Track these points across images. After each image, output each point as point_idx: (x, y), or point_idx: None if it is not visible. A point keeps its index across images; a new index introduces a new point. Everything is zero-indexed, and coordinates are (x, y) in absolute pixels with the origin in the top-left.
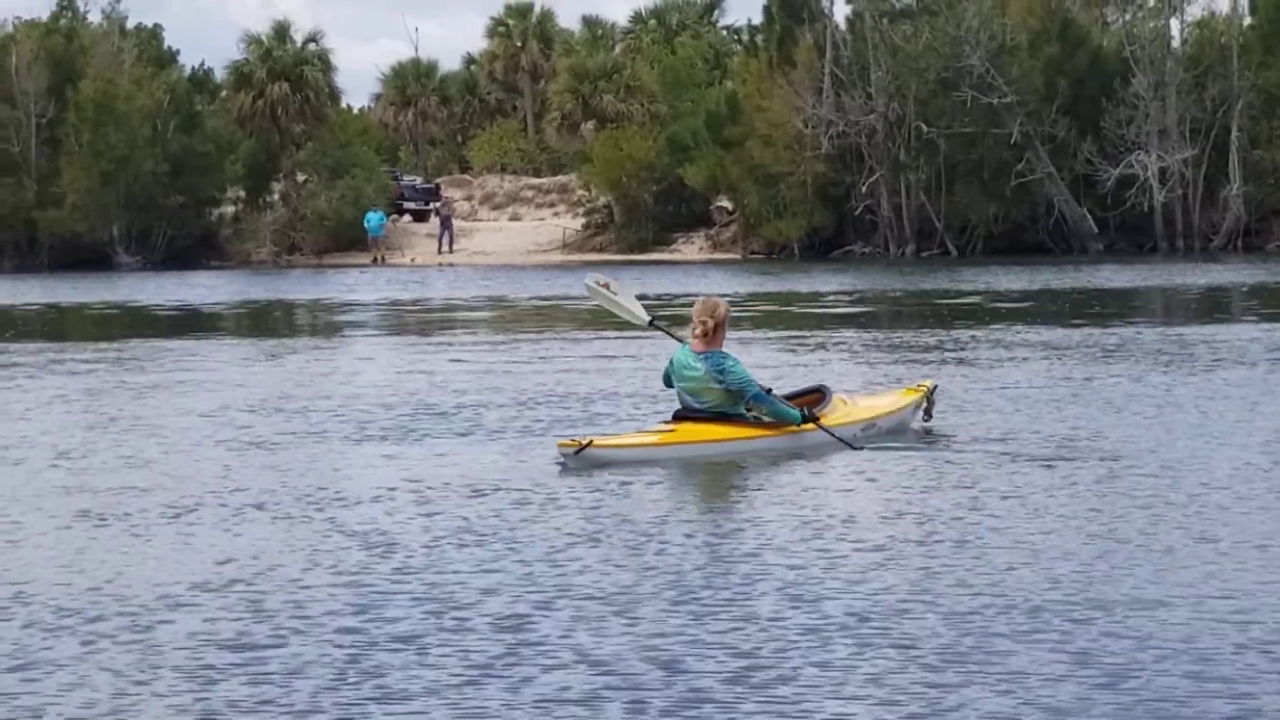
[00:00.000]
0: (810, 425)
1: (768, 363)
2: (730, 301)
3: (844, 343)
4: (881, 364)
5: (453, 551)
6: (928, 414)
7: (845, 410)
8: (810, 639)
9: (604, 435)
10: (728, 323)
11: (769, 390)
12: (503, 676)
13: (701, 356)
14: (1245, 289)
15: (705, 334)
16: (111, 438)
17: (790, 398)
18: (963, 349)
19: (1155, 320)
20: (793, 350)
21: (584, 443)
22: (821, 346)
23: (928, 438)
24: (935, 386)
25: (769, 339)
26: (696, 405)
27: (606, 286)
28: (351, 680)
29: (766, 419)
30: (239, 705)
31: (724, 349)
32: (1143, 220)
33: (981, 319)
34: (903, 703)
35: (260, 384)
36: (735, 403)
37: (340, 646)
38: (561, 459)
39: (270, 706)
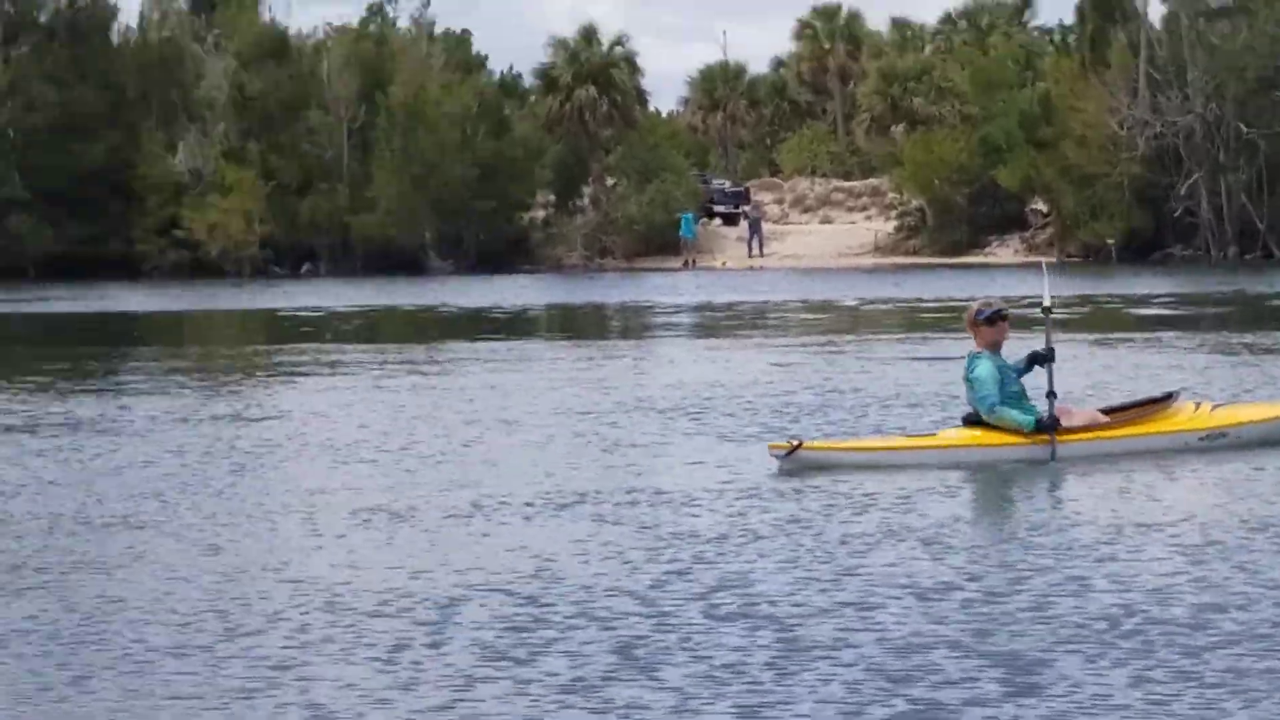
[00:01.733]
0: (1043, 436)
1: (1105, 364)
2: (1060, 304)
3: (1185, 347)
4: (1221, 368)
5: (750, 548)
6: None
7: (1187, 416)
8: None
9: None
10: (982, 321)
11: (1053, 401)
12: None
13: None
14: None
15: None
16: (409, 435)
17: (1130, 406)
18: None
19: None
20: (1125, 355)
21: (794, 445)
22: (1155, 348)
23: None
24: None
25: (1100, 343)
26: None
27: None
28: (629, 674)
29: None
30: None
31: (984, 352)
32: None
33: None
34: None
35: (597, 384)
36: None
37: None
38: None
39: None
